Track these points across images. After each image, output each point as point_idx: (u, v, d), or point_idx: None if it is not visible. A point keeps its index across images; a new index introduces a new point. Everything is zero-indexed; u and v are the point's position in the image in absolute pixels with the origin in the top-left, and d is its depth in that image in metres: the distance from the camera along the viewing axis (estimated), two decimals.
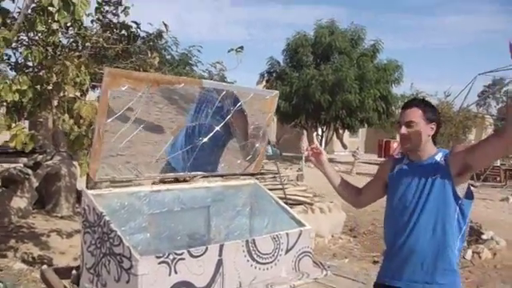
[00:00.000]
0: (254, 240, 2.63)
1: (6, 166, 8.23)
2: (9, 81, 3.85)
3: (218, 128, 3.05)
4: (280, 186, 7.91)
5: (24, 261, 6.02)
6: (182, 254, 2.30)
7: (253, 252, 2.62)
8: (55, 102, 4.66)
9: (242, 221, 3.33)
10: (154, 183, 3.55)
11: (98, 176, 2.58)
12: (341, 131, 29.56)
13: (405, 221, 2.74)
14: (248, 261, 2.61)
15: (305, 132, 29.79)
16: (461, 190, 2.68)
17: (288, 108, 25.64)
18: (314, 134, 28.23)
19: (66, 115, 4.13)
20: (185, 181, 5.85)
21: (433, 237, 2.68)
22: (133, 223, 2.75)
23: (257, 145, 3.26)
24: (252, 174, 3.52)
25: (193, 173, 3.16)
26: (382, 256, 7.94)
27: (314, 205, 8.61)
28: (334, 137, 29.98)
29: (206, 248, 2.41)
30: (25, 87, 3.79)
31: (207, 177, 3.42)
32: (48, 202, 8.46)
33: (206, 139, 3.02)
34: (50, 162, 8.16)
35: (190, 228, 3.05)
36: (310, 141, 30.27)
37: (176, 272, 2.27)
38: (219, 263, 2.45)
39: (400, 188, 2.82)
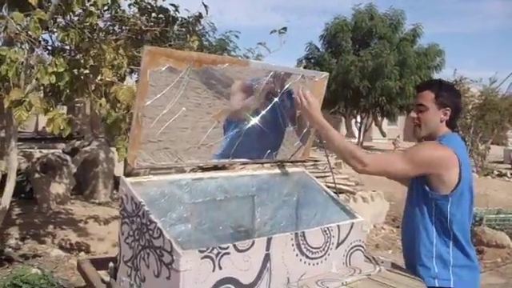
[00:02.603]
0: (303, 233, 2.42)
1: (44, 152, 8.21)
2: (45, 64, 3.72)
3: (264, 112, 2.83)
4: (321, 174, 7.66)
5: (62, 247, 5.98)
6: (227, 248, 2.10)
7: (302, 246, 2.41)
8: (92, 87, 4.52)
9: (288, 211, 3.12)
10: (193, 171, 3.35)
11: (136, 163, 2.40)
12: (379, 118, 29.02)
13: (407, 208, 2.80)
14: (297, 255, 2.40)
15: (343, 119, 29.37)
16: (440, 185, 2.57)
17: (326, 95, 25.18)
18: (353, 121, 27.80)
19: (103, 99, 3.98)
20: (224, 168, 5.68)
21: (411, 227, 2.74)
22: (173, 213, 2.56)
23: (305, 130, 3.03)
24: (301, 162, 3.30)
25: (237, 160, 2.95)
26: None
27: (357, 194, 8.35)
28: (373, 124, 29.46)
29: (253, 242, 2.20)
30: (61, 70, 3.65)
31: (252, 164, 3.19)
32: (86, 188, 8.44)
33: (251, 124, 2.81)
34: (87, 148, 8.13)
35: (233, 219, 2.85)
36: (348, 128, 29.90)
37: (220, 268, 2.08)
38: (266, 258, 2.25)
39: None
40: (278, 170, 3.08)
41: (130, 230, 2.29)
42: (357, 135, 27.62)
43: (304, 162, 3.36)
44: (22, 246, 5.92)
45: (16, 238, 6.11)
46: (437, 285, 2.62)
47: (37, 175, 7.42)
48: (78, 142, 8.08)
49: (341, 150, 2.67)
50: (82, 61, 4.24)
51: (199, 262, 2.01)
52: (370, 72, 24.33)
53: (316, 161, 8.87)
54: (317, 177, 7.92)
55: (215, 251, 2.06)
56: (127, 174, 2.64)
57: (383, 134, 31.36)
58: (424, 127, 2.64)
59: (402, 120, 35.02)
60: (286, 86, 2.83)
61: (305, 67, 27.16)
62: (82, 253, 5.90)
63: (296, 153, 3.12)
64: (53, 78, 3.61)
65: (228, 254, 2.10)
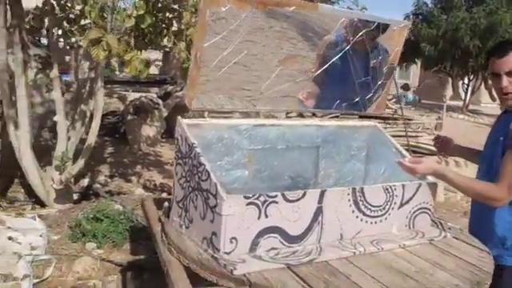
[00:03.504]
0: (362, 189, 2.29)
1: (138, 95, 8.48)
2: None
3: (334, 59, 2.69)
4: (414, 134, 7.33)
5: (146, 187, 6.19)
6: (275, 196, 2.03)
7: (360, 202, 2.29)
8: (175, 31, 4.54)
9: (356, 166, 2.99)
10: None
11: (194, 105, 2.37)
12: (490, 81, 27.25)
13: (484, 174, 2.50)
14: (353, 211, 2.28)
15: (449, 79, 27.93)
16: None
17: (433, 52, 23.97)
18: (460, 82, 26.39)
19: (183, 43, 3.98)
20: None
21: None
22: (231, 158, 2.52)
23: (379, 82, 2.85)
24: (380, 118, 3.13)
25: (303, 109, 2.84)
26: None
27: (450, 157, 7.93)
28: (482, 87, 27.77)
29: (304, 193, 2.11)
30: (141, 12, 3.67)
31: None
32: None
33: (319, 72, 2.68)
34: (179, 93, 8.29)
35: (294, 169, 2.76)
36: (455, 89, 28.42)
37: (267, 216, 2.02)
38: (318, 211, 2.16)
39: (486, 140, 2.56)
40: (347, 123, 2.94)
41: (183, 172, 2.28)
42: (463, 97, 26.23)
43: (384, 118, 3.16)
44: (109, 183, 6.21)
45: (105, 176, 6.42)
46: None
47: (130, 117, 7.69)
48: (171, 87, 8.26)
49: (471, 195, 2.50)
50: (165, 3, 4.23)
51: (244, 207, 1.96)
52: (483, 30, 22.71)
53: (409, 119, 8.51)
54: (408, 136, 7.62)
55: (262, 198, 2.00)
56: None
57: (493, 98, 29.44)
58: None
59: None
60: (359, 34, 2.66)
61: (412, 23, 25.97)
62: (165, 194, 6.09)
63: (368, 107, 2.95)
64: (132, 21, 3.64)
65: (276, 202, 2.03)
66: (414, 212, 2.51)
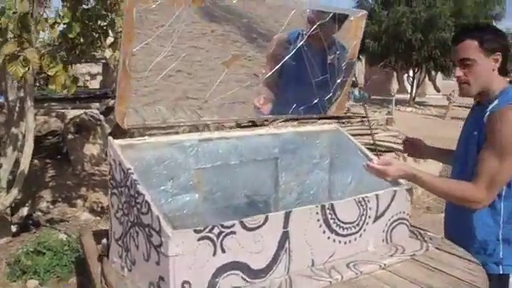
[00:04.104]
0: (332, 205, 1.96)
1: (78, 112, 7.95)
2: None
3: (287, 58, 2.36)
4: (369, 132, 7.11)
5: (93, 210, 5.74)
6: (231, 226, 1.68)
7: (331, 221, 1.97)
8: (111, 39, 4.14)
9: (319, 176, 2.67)
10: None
11: (127, 122, 1.99)
12: (433, 73, 27.73)
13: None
14: (324, 232, 1.96)
15: (395, 74, 28.26)
16: None
17: (377, 48, 24.18)
18: (405, 75, 26.74)
19: (118, 52, 3.58)
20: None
21: None
22: (176, 181, 2.15)
23: (338, 80, 2.55)
24: (335, 118, 2.82)
25: (259, 117, 2.51)
26: None
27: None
28: (426, 79, 28.22)
29: (266, 217, 1.77)
30: (66, 20, 3.26)
31: (274, 121, 2.72)
32: None
33: (270, 74, 2.35)
34: None
35: (251, 186, 2.42)
36: (400, 83, 28.76)
37: (224, 250, 1.67)
38: (284, 237, 1.82)
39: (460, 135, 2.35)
40: (305, 128, 2.61)
41: (119, 203, 1.91)
42: (409, 90, 26.57)
43: (338, 118, 2.84)
44: (51, 210, 5.71)
45: (47, 201, 5.91)
46: (501, 272, 2.14)
47: (70, 136, 7.19)
48: (113, 101, 7.76)
49: (449, 197, 2.21)
50: (96, 10, 3.82)
51: (195, 244, 1.60)
52: (423, 23, 23.07)
53: (363, 117, 8.30)
54: (364, 134, 7.33)
55: (216, 230, 1.64)
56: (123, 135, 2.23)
57: (437, 89, 30.01)
58: (474, 83, 2.11)
59: None
60: (313, 28, 2.34)
61: None
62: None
63: (328, 108, 2.64)
64: (56, 31, 3.22)
65: (233, 233, 1.68)
66: (391, 224, 2.21)
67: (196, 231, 1.61)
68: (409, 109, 22.49)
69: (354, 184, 2.52)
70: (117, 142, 1.93)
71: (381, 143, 7.56)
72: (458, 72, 2.13)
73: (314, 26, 2.33)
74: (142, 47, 1.90)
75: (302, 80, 2.45)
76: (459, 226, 2.26)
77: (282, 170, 2.51)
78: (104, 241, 2.09)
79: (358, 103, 11.85)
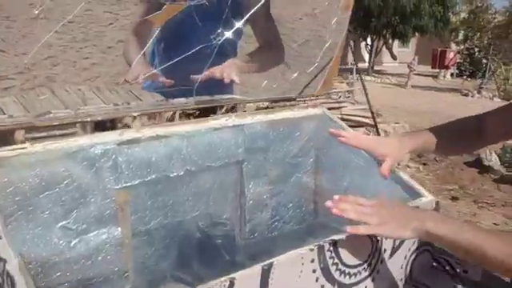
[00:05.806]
0: (334, 243, 1.20)
1: None
2: None
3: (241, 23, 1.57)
4: (337, 106, 6.38)
5: None
6: None
7: (332, 267, 1.22)
8: None
9: (302, 181, 1.89)
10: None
11: None
12: (390, 41, 27.31)
13: None
14: (323, 287, 1.21)
15: (351, 42, 27.73)
16: None
17: None
18: (362, 43, 26.24)
19: None
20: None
21: None
22: (84, 210, 1.33)
23: (326, 44, 1.76)
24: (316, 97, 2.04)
25: (198, 98, 1.67)
26: (461, 190, 6.63)
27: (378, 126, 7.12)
28: (384, 48, 27.80)
29: (232, 281, 0.99)
30: None
31: (233, 107, 1.87)
32: None
33: (219, 39, 1.55)
34: None
35: (204, 208, 1.61)
36: (357, 53, 28.22)
37: None
38: None
39: None
40: (281, 114, 1.82)
41: None
42: (367, 59, 26.08)
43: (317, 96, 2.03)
44: None
45: None
46: None
47: None
48: None
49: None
50: None
51: None
52: None
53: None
54: (329, 108, 6.62)
55: None
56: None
57: (394, 57, 29.66)
58: None
59: (413, 42, 33.12)
60: None
61: None
62: None
63: (306, 86, 1.87)
64: None
65: None
66: (411, 255, 1.48)
67: None
68: (368, 78, 22.04)
69: (351, 190, 1.75)
70: None
71: (349, 117, 6.89)
72: None
73: None
74: None
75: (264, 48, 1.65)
76: None
77: (248, 179, 1.71)
78: None
79: None
